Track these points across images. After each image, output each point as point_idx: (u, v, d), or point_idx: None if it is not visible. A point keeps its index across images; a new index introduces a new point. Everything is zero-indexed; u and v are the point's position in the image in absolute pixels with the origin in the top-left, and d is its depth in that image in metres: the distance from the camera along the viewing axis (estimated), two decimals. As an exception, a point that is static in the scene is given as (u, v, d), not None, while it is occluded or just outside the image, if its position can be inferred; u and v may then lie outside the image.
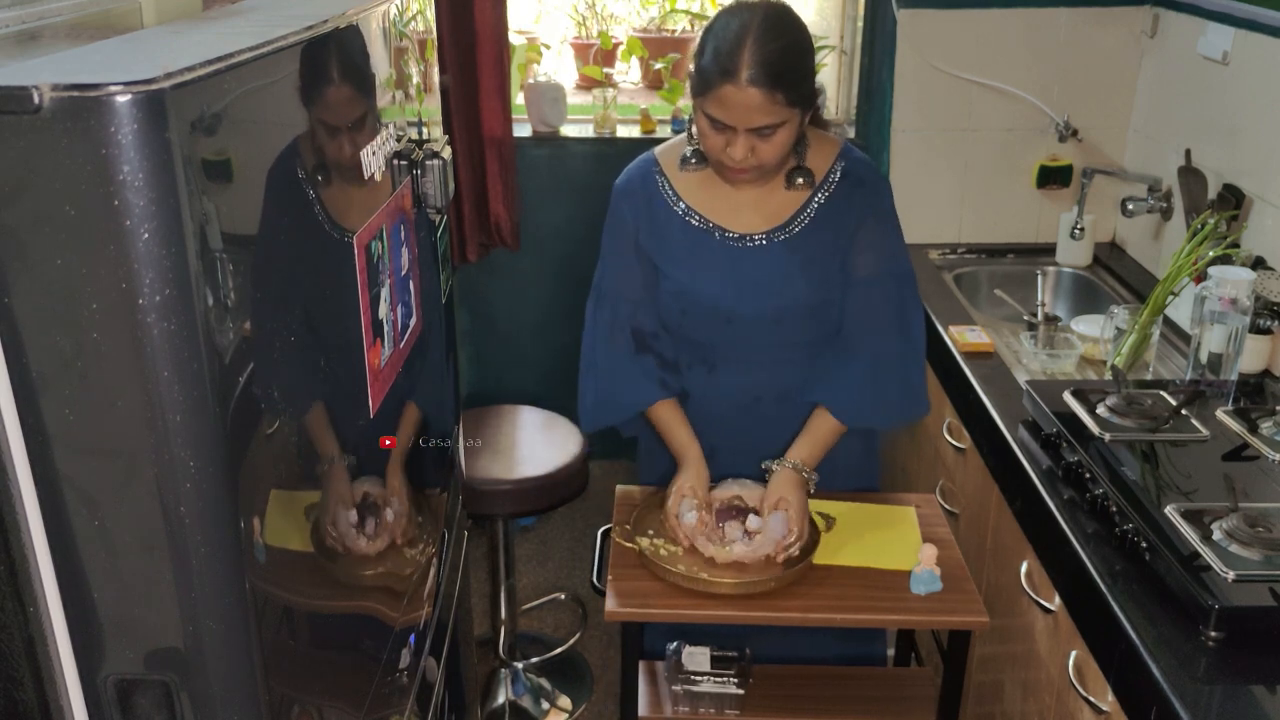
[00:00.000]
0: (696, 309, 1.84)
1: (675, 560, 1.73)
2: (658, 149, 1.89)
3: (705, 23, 1.72)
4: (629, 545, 1.77)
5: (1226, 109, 2.34)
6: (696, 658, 1.84)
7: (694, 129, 1.76)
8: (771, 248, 1.79)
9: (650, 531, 1.81)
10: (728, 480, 1.84)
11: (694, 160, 1.79)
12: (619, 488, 1.97)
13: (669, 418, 1.87)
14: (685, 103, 3.42)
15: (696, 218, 1.81)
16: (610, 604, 1.68)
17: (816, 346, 1.86)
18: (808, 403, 1.87)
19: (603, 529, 1.93)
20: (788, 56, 1.61)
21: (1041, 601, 1.74)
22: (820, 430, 1.84)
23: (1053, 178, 2.84)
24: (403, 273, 1.36)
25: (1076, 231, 2.76)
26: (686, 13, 3.82)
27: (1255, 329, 2.04)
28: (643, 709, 1.82)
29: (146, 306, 0.78)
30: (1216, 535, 1.50)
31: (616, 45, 3.73)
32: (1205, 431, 1.81)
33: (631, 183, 1.87)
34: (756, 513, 1.77)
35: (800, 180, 1.76)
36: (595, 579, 1.82)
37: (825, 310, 1.83)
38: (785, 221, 1.79)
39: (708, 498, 1.81)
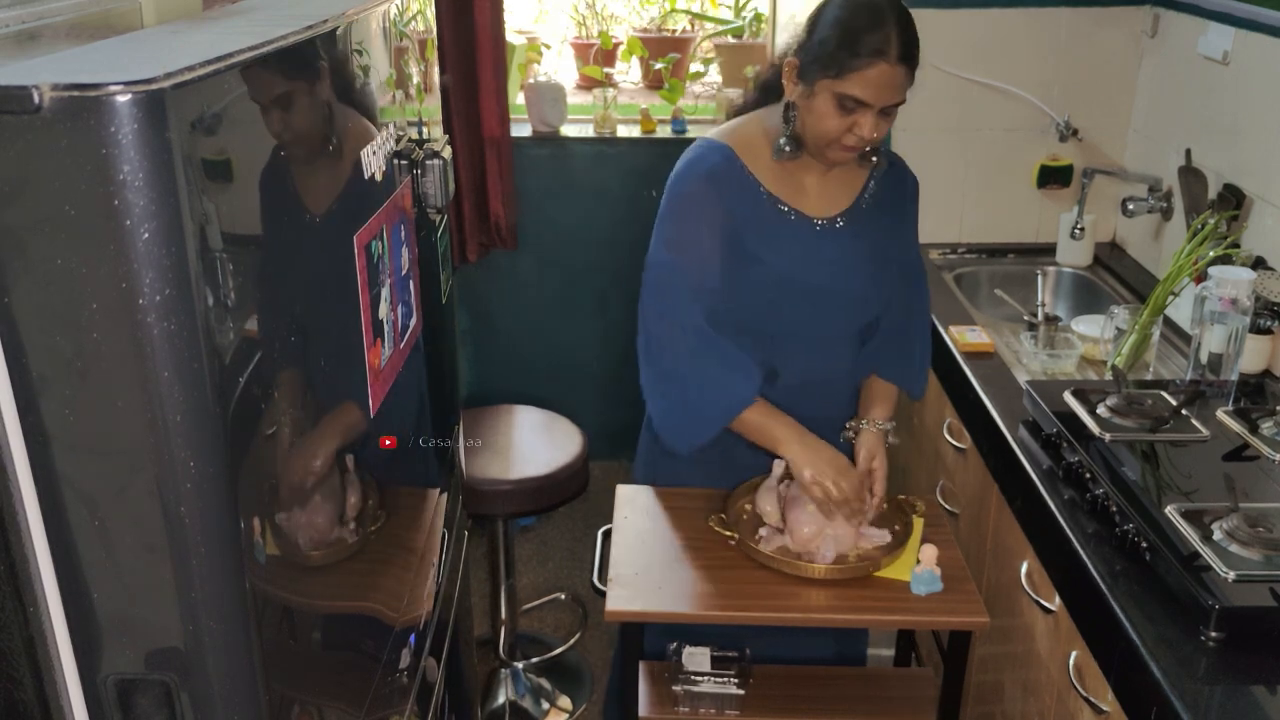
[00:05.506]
0: (789, 296, 1.79)
1: (771, 548, 1.74)
2: (722, 137, 1.80)
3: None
4: (726, 534, 1.78)
5: (1226, 109, 2.34)
6: (696, 658, 1.84)
7: (791, 115, 1.70)
8: (848, 230, 1.82)
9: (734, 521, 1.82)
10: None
11: (789, 149, 1.72)
12: (619, 487, 1.97)
13: (767, 410, 1.77)
14: (685, 103, 3.42)
15: (781, 204, 1.79)
16: (610, 604, 1.68)
17: (866, 326, 1.91)
18: (848, 383, 1.93)
19: (603, 529, 1.92)
20: (915, 31, 1.65)
21: (1041, 601, 1.74)
22: (889, 392, 1.91)
23: (1053, 178, 2.84)
24: (403, 273, 1.36)
25: (1077, 231, 2.76)
26: (686, 12, 3.82)
27: (1255, 329, 2.03)
28: (643, 709, 1.82)
29: (146, 306, 0.78)
30: (1217, 535, 1.50)
31: (616, 45, 3.73)
32: (1205, 431, 1.81)
33: (718, 169, 1.76)
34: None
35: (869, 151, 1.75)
36: (595, 579, 1.82)
37: (889, 287, 1.88)
38: (851, 205, 1.82)
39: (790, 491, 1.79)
